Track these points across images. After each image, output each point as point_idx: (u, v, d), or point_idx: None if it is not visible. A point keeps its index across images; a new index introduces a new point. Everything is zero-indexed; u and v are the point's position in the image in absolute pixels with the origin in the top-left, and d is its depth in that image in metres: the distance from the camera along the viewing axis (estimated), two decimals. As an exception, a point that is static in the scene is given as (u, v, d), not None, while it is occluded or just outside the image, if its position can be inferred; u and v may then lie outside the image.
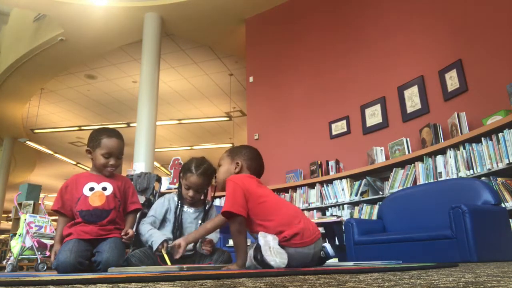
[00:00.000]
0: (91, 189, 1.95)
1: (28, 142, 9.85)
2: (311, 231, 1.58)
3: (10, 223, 9.23)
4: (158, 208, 2.09)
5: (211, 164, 2.12)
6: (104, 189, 1.97)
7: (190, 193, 2.05)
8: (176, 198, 2.13)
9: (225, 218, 1.63)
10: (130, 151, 5.26)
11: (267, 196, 1.63)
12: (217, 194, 5.09)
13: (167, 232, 2.02)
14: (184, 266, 1.53)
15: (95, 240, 1.86)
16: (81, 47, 6.91)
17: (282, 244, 1.49)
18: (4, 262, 4.64)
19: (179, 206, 2.09)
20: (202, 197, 2.16)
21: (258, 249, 1.47)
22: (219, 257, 1.96)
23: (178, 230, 2.02)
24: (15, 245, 4.28)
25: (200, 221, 2.09)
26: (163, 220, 2.08)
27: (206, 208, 2.14)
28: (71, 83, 8.44)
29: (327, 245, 1.65)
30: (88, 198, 1.91)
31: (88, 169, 2.16)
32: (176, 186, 2.28)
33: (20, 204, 7.23)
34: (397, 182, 3.75)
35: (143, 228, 2.01)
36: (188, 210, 2.10)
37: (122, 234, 1.93)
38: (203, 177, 2.05)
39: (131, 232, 1.96)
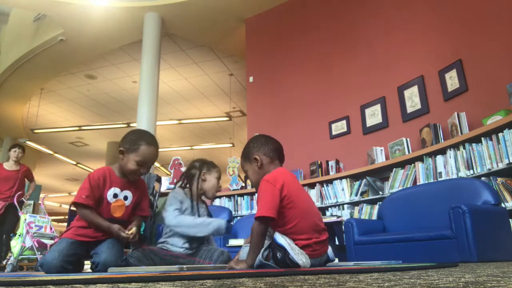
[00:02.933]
0: (115, 195, 1.90)
1: (28, 142, 9.84)
2: (321, 244, 1.59)
3: (10, 223, 9.21)
4: (175, 201, 2.05)
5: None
6: (125, 198, 1.93)
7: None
8: (182, 192, 2.12)
9: (256, 220, 1.53)
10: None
11: (296, 202, 1.56)
12: (216, 193, 5.12)
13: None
14: (184, 266, 1.53)
15: (92, 242, 1.85)
16: (81, 47, 6.91)
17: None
18: (4, 262, 4.64)
19: (194, 203, 2.10)
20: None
21: (277, 248, 1.46)
22: (219, 257, 1.96)
23: None
24: (15, 245, 4.27)
25: (206, 215, 2.14)
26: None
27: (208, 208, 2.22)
28: (71, 83, 8.44)
29: (328, 248, 1.65)
30: (110, 206, 1.88)
31: (109, 165, 2.02)
32: (175, 186, 2.26)
33: (20, 204, 7.21)
34: (397, 182, 3.75)
35: (187, 220, 1.97)
36: (201, 206, 2.16)
37: (127, 231, 1.85)
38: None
39: (134, 230, 1.87)
